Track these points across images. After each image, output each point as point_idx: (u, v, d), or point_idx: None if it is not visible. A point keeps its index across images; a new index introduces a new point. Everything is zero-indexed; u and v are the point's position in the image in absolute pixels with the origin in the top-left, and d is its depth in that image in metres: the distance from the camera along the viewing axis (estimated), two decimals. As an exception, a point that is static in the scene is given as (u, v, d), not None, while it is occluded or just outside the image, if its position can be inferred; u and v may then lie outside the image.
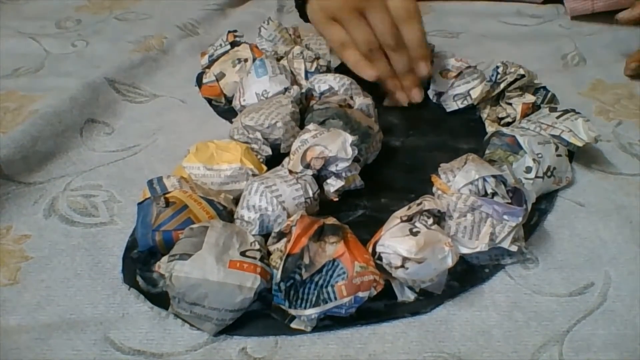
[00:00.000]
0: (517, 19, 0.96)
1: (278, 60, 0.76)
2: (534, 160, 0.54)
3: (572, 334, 0.44)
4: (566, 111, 0.61)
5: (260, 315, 0.45)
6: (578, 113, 0.60)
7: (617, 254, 0.50)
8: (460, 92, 0.68)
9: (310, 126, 0.56)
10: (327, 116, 0.59)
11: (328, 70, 0.74)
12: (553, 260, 0.50)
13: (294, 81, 0.70)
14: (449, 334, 0.44)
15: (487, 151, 0.57)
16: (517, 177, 0.53)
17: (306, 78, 0.70)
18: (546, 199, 0.56)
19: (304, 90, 0.68)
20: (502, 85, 0.65)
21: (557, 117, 0.60)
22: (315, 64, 0.71)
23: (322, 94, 0.65)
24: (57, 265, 0.51)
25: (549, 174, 0.55)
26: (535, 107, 0.65)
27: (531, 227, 0.53)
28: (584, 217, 0.54)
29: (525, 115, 0.64)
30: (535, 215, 0.54)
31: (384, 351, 0.43)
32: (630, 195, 0.57)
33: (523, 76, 0.65)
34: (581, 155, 0.61)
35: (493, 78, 0.66)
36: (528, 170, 0.54)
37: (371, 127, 0.60)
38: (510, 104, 0.65)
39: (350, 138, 0.53)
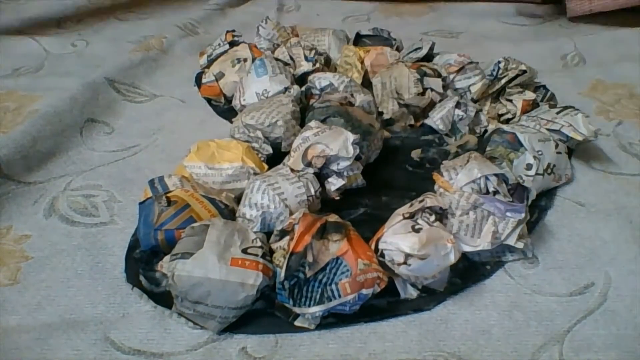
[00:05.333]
0: (517, 19, 0.96)
1: (275, 49, 0.76)
2: (534, 157, 0.54)
3: (573, 334, 0.44)
4: (566, 107, 0.61)
5: (263, 314, 0.45)
6: (577, 109, 0.61)
7: (617, 254, 0.50)
8: (461, 87, 0.68)
9: (312, 123, 0.56)
10: (328, 114, 0.59)
11: (327, 59, 0.74)
12: (553, 260, 0.50)
13: (294, 66, 0.70)
14: (449, 333, 0.44)
15: (487, 148, 0.57)
16: (516, 175, 0.54)
17: (306, 60, 0.70)
18: (546, 196, 0.56)
19: (305, 70, 0.67)
20: (503, 81, 0.65)
21: (557, 113, 0.60)
22: (313, 52, 0.72)
23: (322, 89, 0.65)
24: (58, 265, 0.51)
25: (549, 171, 0.55)
26: (535, 105, 0.65)
27: (532, 224, 0.53)
28: (584, 217, 0.54)
29: (525, 112, 0.64)
30: (535, 212, 0.54)
31: (384, 350, 0.43)
32: (630, 195, 0.57)
33: (525, 72, 0.65)
34: (581, 155, 0.61)
35: (494, 73, 0.66)
36: (529, 167, 0.54)
37: (372, 125, 0.60)
38: (510, 101, 0.65)
39: (352, 137, 0.53)
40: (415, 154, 0.63)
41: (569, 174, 0.58)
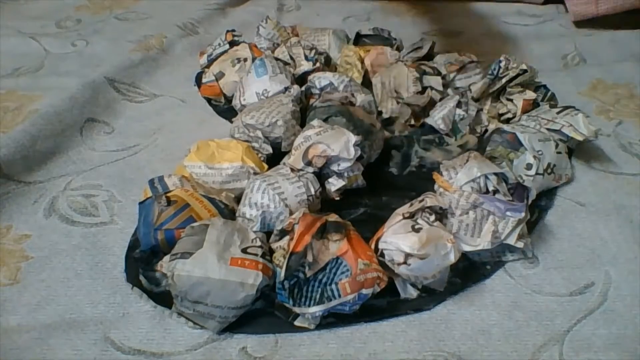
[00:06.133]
0: (517, 19, 0.96)
1: (275, 49, 0.76)
2: (534, 157, 0.54)
3: (573, 334, 0.44)
4: (566, 107, 0.61)
5: (263, 314, 0.45)
6: (578, 109, 0.61)
7: (618, 254, 0.50)
8: (462, 86, 0.68)
9: (315, 122, 0.56)
10: (330, 114, 0.59)
11: (327, 58, 0.74)
12: (553, 260, 0.50)
13: (294, 66, 0.71)
14: (449, 333, 0.44)
15: (487, 148, 0.57)
16: (516, 175, 0.53)
17: (306, 60, 0.70)
18: (546, 196, 0.56)
19: (306, 69, 0.67)
20: (503, 80, 0.65)
21: (557, 113, 0.60)
22: (313, 51, 0.72)
23: (322, 89, 0.65)
24: (58, 265, 0.51)
25: (549, 170, 0.55)
26: (535, 104, 0.65)
27: (532, 223, 0.53)
28: (584, 217, 0.54)
29: (525, 111, 0.64)
30: (535, 212, 0.54)
31: (384, 350, 0.43)
32: (631, 195, 0.57)
33: (525, 71, 0.65)
34: (582, 155, 0.61)
35: (495, 72, 0.66)
36: (528, 167, 0.54)
37: (374, 125, 0.60)
38: (511, 100, 0.65)
39: (353, 138, 0.53)
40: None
41: (569, 174, 0.58)
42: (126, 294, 0.48)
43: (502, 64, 0.65)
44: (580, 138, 0.58)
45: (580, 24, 0.92)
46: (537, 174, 0.54)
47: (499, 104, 0.66)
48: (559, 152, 0.56)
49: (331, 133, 0.53)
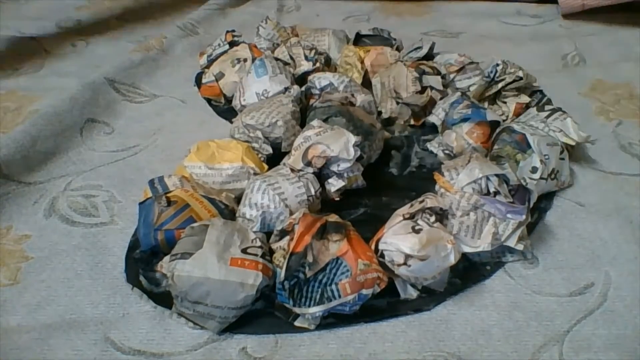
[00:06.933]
0: (517, 19, 0.96)
1: (274, 49, 0.76)
2: (541, 161, 0.54)
3: (572, 334, 0.44)
4: (554, 110, 0.61)
5: (264, 314, 0.45)
6: (565, 112, 0.60)
7: (617, 254, 0.50)
8: (462, 87, 0.68)
9: (315, 122, 0.56)
10: (330, 114, 0.59)
11: (327, 59, 0.75)
12: (553, 260, 0.50)
13: (294, 66, 0.71)
14: (449, 333, 0.44)
15: (495, 147, 0.57)
16: (520, 177, 0.53)
17: (306, 60, 0.70)
18: (546, 197, 0.56)
19: (306, 69, 0.68)
20: (499, 85, 0.65)
21: (546, 117, 0.60)
22: (313, 52, 0.72)
23: (322, 89, 0.65)
24: (58, 265, 0.51)
25: (552, 176, 0.55)
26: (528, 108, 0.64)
27: (532, 224, 0.52)
28: (584, 217, 0.54)
29: (517, 114, 0.64)
30: (535, 213, 0.54)
31: (384, 350, 0.43)
32: (631, 195, 0.57)
33: (521, 78, 0.64)
34: (581, 156, 0.61)
35: (491, 75, 0.66)
36: (534, 170, 0.54)
37: (374, 125, 0.60)
38: (505, 102, 0.65)
39: (353, 139, 0.53)
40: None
41: (568, 180, 0.57)
42: (126, 295, 0.48)
43: (499, 68, 0.65)
44: (572, 142, 0.57)
45: (580, 24, 0.92)
46: (541, 178, 0.54)
47: (495, 105, 0.66)
48: (562, 159, 0.56)
49: (331, 133, 0.54)
